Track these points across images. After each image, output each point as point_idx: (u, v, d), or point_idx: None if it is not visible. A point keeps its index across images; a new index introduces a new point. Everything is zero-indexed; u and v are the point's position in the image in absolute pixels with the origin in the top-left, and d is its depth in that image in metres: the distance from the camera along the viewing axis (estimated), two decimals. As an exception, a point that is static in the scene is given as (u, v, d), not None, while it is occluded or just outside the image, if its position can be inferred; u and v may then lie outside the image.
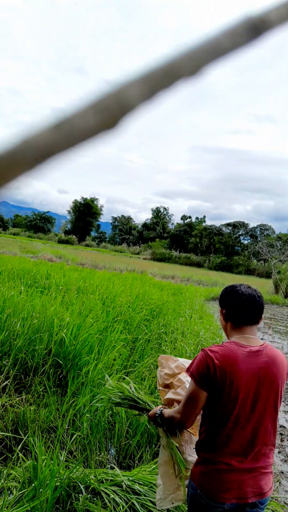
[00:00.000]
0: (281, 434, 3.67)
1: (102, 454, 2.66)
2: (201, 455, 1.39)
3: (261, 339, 8.66)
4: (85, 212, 70.70)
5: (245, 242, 68.05)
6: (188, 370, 1.40)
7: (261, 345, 1.40)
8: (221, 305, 1.50)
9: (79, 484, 2.02)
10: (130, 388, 1.98)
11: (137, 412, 1.89)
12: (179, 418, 1.42)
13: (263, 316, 1.46)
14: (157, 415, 1.56)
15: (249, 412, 1.33)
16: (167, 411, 1.53)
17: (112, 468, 2.40)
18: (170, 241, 72.43)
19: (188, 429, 1.62)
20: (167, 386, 1.73)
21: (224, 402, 1.31)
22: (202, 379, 1.33)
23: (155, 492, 2.02)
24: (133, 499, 1.99)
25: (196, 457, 1.44)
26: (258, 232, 68.79)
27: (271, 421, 1.37)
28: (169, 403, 1.66)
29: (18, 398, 2.88)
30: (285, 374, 1.39)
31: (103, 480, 2.13)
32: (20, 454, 2.26)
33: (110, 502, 1.96)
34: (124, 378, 3.49)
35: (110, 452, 2.75)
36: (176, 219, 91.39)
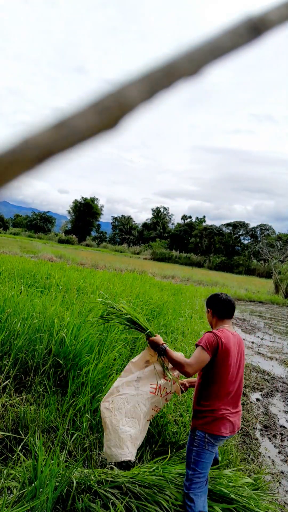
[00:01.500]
0: (282, 434, 3.67)
1: (102, 453, 2.66)
2: (208, 407, 2.00)
3: (261, 339, 8.63)
4: (85, 212, 70.68)
5: (245, 242, 68.04)
6: (198, 344, 1.99)
7: (234, 331, 2.16)
8: (208, 306, 2.26)
9: (80, 484, 2.02)
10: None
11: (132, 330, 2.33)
12: (187, 369, 1.96)
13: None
14: (161, 348, 2.12)
15: (236, 373, 2.05)
16: (173, 354, 2.07)
17: (112, 468, 2.41)
18: (170, 241, 72.41)
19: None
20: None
21: (224, 367, 1.99)
22: (212, 348, 1.97)
23: (155, 494, 2.02)
24: (134, 503, 1.99)
25: None
26: (258, 232, 68.76)
27: (242, 379, 2.11)
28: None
29: (18, 398, 2.88)
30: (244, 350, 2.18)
31: (103, 480, 2.13)
32: (20, 454, 2.26)
33: (110, 506, 1.96)
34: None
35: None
36: (177, 219, 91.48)
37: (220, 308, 2.17)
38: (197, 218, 76.88)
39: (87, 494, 1.99)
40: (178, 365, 2.01)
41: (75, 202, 71.97)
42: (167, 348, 2.11)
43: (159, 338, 2.17)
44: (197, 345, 2.00)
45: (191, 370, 1.94)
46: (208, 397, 2.01)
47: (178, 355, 2.08)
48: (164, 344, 2.13)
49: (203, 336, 2.02)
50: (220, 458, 2.70)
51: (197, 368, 1.96)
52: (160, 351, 2.13)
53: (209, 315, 2.25)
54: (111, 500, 1.97)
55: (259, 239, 64.81)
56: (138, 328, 2.33)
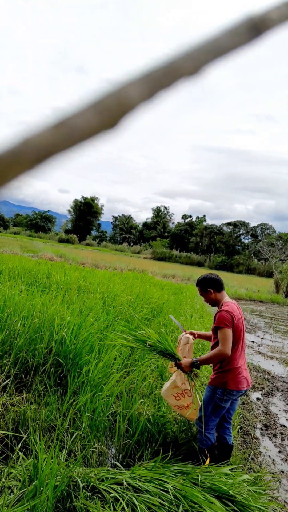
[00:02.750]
0: (282, 434, 3.67)
1: (102, 453, 2.66)
2: (228, 367, 2.48)
3: (261, 338, 8.63)
4: (86, 212, 70.67)
5: (246, 241, 68.00)
6: (219, 325, 2.47)
7: (230, 299, 2.69)
8: (207, 287, 2.67)
9: (80, 482, 2.02)
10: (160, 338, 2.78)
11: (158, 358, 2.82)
12: (225, 353, 2.42)
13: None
14: (195, 362, 2.54)
15: (243, 337, 2.55)
16: (202, 357, 2.54)
17: (112, 467, 2.41)
18: (170, 240, 72.38)
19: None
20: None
21: (237, 331, 2.49)
22: (230, 323, 2.45)
23: (155, 487, 2.03)
24: (134, 497, 1.99)
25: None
26: (259, 231, 68.73)
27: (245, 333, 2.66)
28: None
29: (18, 397, 2.89)
30: None
31: (103, 478, 2.13)
32: (21, 453, 2.26)
33: (110, 501, 1.97)
34: (125, 378, 3.50)
35: (110, 451, 2.75)
36: (177, 219, 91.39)
37: (215, 283, 2.66)
38: (197, 217, 76.85)
39: (88, 492, 1.99)
40: (216, 358, 2.48)
41: (76, 201, 71.96)
42: (199, 359, 2.55)
43: (186, 360, 2.61)
44: (216, 328, 2.49)
45: (227, 351, 2.43)
46: (228, 359, 2.49)
47: (209, 354, 2.51)
48: (194, 359, 2.57)
49: (220, 318, 2.48)
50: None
51: (230, 345, 2.43)
52: (196, 366, 2.56)
53: (209, 295, 2.67)
54: (112, 494, 1.97)
55: (260, 238, 64.76)
56: (169, 357, 2.72)
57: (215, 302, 2.69)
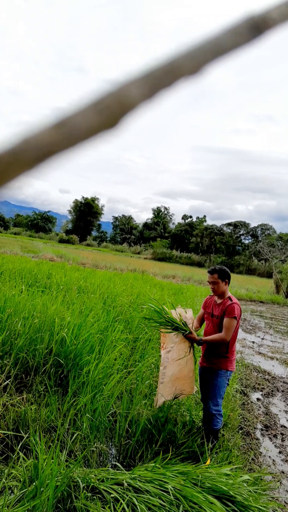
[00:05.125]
0: (282, 434, 3.66)
1: (103, 453, 2.66)
2: (231, 352, 2.89)
3: (262, 339, 8.62)
4: (86, 212, 70.68)
5: (246, 242, 67.99)
6: (231, 316, 2.79)
7: None
8: (226, 278, 2.92)
9: (80, 482, 2.02)
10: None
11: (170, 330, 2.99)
12: (226, 337, 2.78)
13: None
14: (200, 340, 2.85)
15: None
16: (209, 338, 2.83)
17: (112, 467, 2.41)
18: (171, 240, 72.36)
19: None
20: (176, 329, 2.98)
21: (238, 326, 2.85)
22: (239, 317, 2.83)
23: (156, 488, 2.02)
24: (134, 497, 1.99)
25: None
26: (259, 232, 68.71)
27: None
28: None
29: (19, 398, 2.88)
30: None
31: (104, 478, 2.13)
32: (21, 454, 2.26)
33: (111, 502, 1.96)
34: (126, 377, 3.49)
35: (110, 451, 2.75)
36: (177, 219, 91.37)
37: (229, 277, 2.95)
38: (197, 218, 76.83)
39: (88, 493, 1.99)
40: (218, 341, 2.80)
41: (76, 202, 71.97)
42: (203, 339, 2.85)
43: (194, 335, 2.87)
44: (226, 316, 2.80)
45: (228, 338, 2.78)
46: (232, 345, 2.88)
47: (213, 337, 2.82)
48: (199, 337, 2.87)
49: (233, 309, 2.79)
50: (221, 455, 2.70)
51: (231, 334, 2.78)
52: (199, 343, 2.85)
53: (224, 285, 2.92)
54: (112, 495, 1.97)
55: (260, 239, 64.75)
56: (180, 329, 2.93)
57: (222, 293, 2.95)
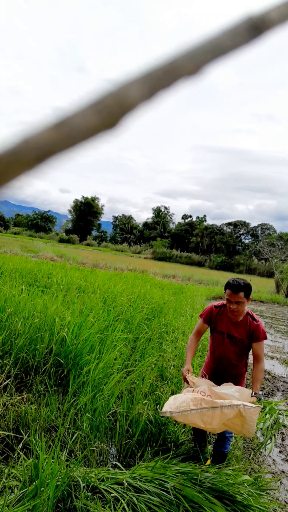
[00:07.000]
0: (282, 434, 3.66)
1: (103, 453, 2.66)
2: (246, 371, 2.59)
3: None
4: (86, 212, 70.68)
5: (246, 241, 68.00)
6: (261, 338, 2.40)
7: None
8: (250, 294, 2.37)
9: (80, 482, 2.02)
10: None
11: None
12: (263, 365, 2.39)
13: None
14: (258, 396, 2.22)
15: None
16: (258, 386, 2.27)
17: (112, 467, 2.41)
18: (171, 240, 72.37)
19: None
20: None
21: None
22: None
23: (156, 487, 2.03)
24: (134, 497, 1.99)
25: None
26: (259, 231, 68.73)
27: None
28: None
29: (19, 397, 2.89)
30: None
31: (104, 478, 2.13)
32: (21, 453, 2.27)
33: (111, 501, 1.97)
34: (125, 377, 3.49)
35: (110, 451, 2.75)
36: (177, 219, 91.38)
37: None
38: (197, 217, 76.83)
39: (89, 492, 1.99)
40: (262, 375, 2.37)
41: (76, 201, 71.97)
42: (255, 392, 2.23)
43: (252, 399, 2.19)
44: (257, 339, 2.38)
45: (264, 363, 2.44)
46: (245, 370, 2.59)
47: (260, 377, 2.33)
48: (255, 393, 2.23)
49: (263, 332, 2.40)
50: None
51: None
52: (260, 399, 2.32)
53: (247, 302, 2.38)
54: (112, 494, 1.97)
55: (260, 238, 64.77)
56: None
57: (243, 311, 2.41)
